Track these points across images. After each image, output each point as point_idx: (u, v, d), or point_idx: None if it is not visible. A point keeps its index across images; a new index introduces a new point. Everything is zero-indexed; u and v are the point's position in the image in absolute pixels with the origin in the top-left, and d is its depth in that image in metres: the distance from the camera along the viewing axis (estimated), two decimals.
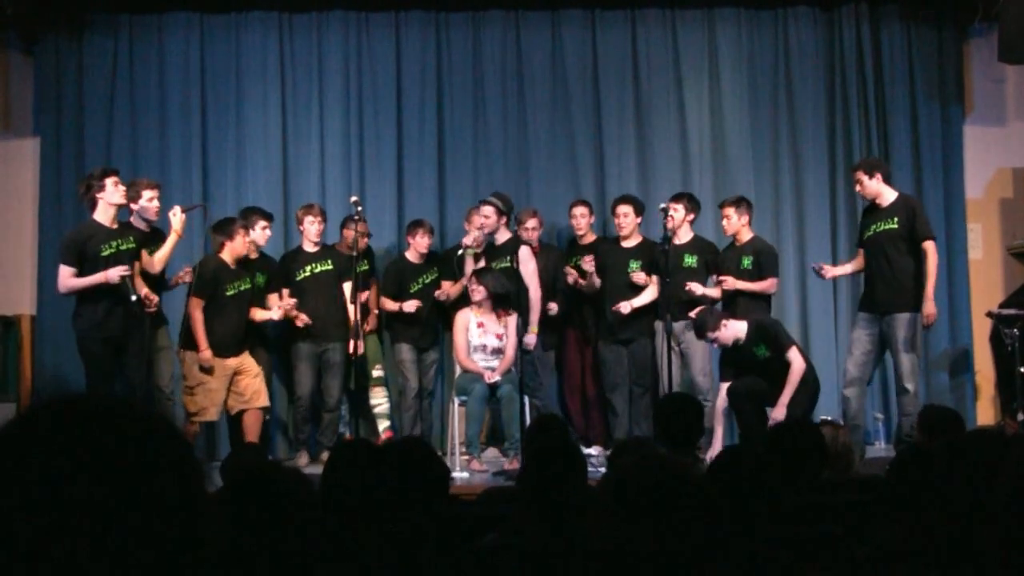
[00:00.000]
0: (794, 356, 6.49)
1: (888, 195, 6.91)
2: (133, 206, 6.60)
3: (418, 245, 7.60)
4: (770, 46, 8.60)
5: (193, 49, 8.31)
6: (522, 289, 7.03)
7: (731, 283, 7.10)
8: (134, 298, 6.21)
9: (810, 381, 6.64)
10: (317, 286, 7.31)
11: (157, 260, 6.61)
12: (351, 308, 7.18)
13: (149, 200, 6.66)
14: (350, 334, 7.08)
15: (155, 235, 6.76)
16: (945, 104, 8.55)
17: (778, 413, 6.34)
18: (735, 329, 6.59)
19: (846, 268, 7.36)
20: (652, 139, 8.48)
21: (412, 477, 3.05)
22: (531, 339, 7.14)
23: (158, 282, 6.70)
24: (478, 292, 7.10)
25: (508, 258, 7.24)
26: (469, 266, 7.44)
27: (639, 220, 7.56)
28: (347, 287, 7.30)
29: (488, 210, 7.30)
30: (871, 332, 6.89)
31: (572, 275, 7.49)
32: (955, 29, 8.60)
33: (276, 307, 7.13)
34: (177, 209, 6.66)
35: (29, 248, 8.14)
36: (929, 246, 6.80)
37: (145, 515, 0.95)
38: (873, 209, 7.00)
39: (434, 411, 8.00)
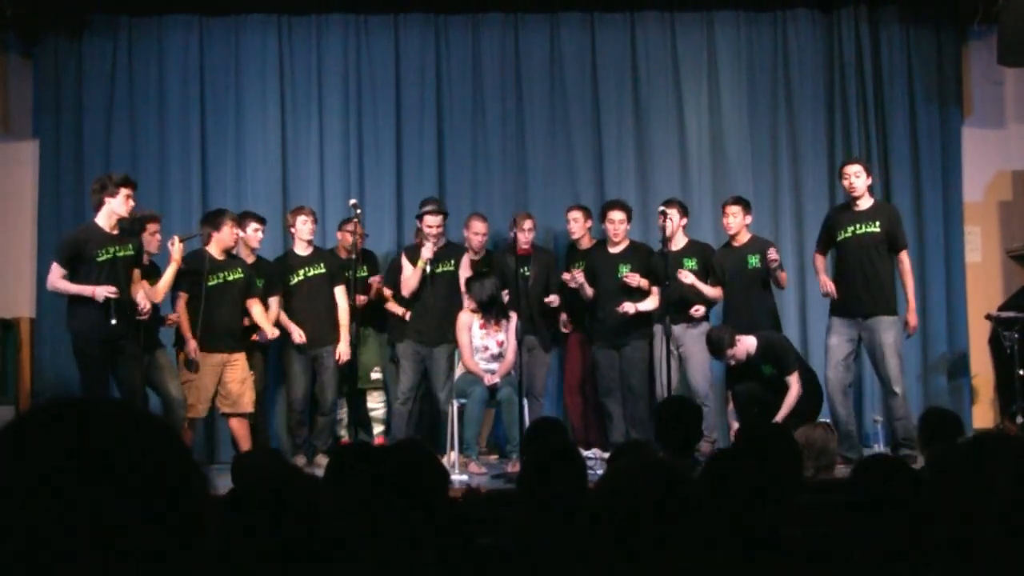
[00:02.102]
0: (794, 381, 6.65)
1: (867, 199, 6.93)
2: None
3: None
4: (769, 48, 8.60)
5: (192, 51, 8.31)
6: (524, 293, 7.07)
7: (774, 254, 6.98)
8: (114, 322, 6.16)
9: (813, 392, 6.70)
10: (310, 290, 7.30)
11: (159, 290, 6.62)
12: (344, 312, 7.23)
13: (152, 234, 6.72)
14: (345, 337, 7.22)
15: (152, 268, 6.79)
16: (944, 106, 8.55)
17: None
18: (747, 344, 6.68)
19: (825, 276, 7.11)
20: (651, 141, 8.49)
21: (411, 479, 3.05)
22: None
23: (155, 313, 6.68)
24: (469, 303, 7.13)
25: (452, 262, 7.27)
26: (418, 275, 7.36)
27: (629, 226, 7.56)
28: (339, 291, 7.31)
29: (439, 219, 7.28)
30: (849, 337, 6.88)
31: (570, 279, 7.48)
32: (954, 31, 8.60)
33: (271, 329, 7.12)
34: (175, 239, 6.66)
35: (28, 250, 8.13)
36: (906, 256, 6.89)
37: (145, 517, 0.95)
38: (846, 210, 6.99)
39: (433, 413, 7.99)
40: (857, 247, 6.85)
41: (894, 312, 6.82)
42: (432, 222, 7.24)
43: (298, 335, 7.17)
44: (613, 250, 7.53)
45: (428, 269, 7.22)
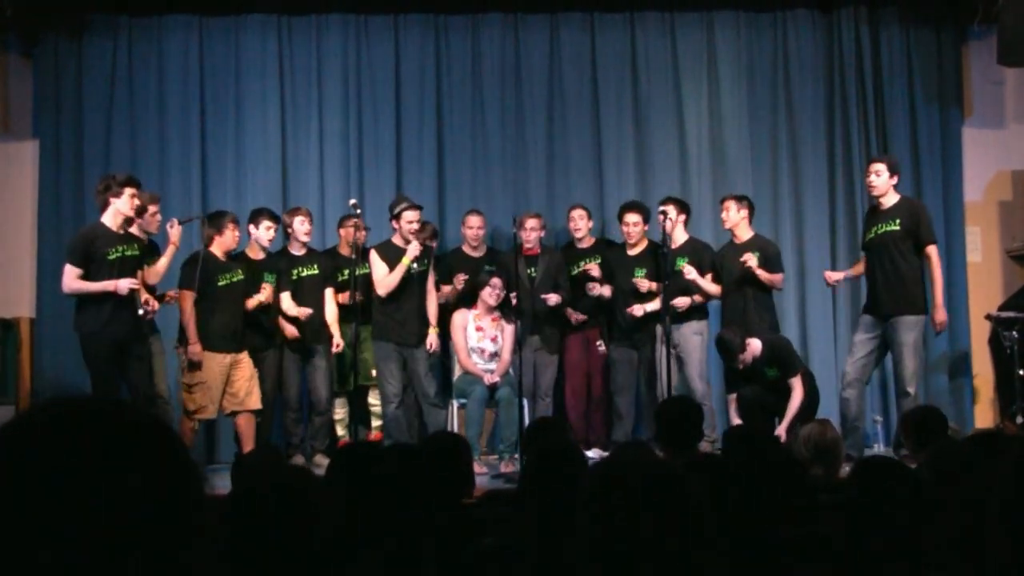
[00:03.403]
0: (796, 385, 6.68)
1: (892, 197, 6.89)
2: (137, 220, 6.63)
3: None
4: (769, 49, 8.60)
5: (192, 51, 8.31)
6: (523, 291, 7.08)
7: (753, 262, 7.03)
8: (141, 312, 6.23)
9: (810, 394, 6.72)
10: (302, 291, 7.30)
11: (154, 272, 6.65)
12: (331, 313, 7.30)
13: (152, 215, 6.71)
14: (336, 333, 7.28)
15: (151, 247, 6.79)
16: (944, 106, 8.55)
17: (781, 432, 6.53)
18: (754, 348, 6.70)
19: (847, 272, 7.33)
20: (651, 142, 8.49)
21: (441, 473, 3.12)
22: (433, 338, 7.18)
23: (151, 294, 6.69)
24: (494, 292, 7.11)
25: (425, 260, 7.23)
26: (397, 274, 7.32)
27: (647, 227, 7.56)
28: (329, 293, 7.34)
29: (418, 214, 7.18)
30: (874, 335, 6.88)
31: (593, 289, 7.51)
32: (954, 31, 8.60)
33: (292, 308, 7.16)
34: (174, 221, 6.69)
35: (28, 250, 8.13)
36: (933, 251, 6.79)
37: (141, 517, 0.95)
38: (875, 211, 7.00)
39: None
40: (879, 247, 6.84)
41: (918, 311, 6.75)
42: (412, 218, 7.12)
43: (305, 312, 7.17)
44: (631, 252, 7.55)
45: (415, 268, 7.15)
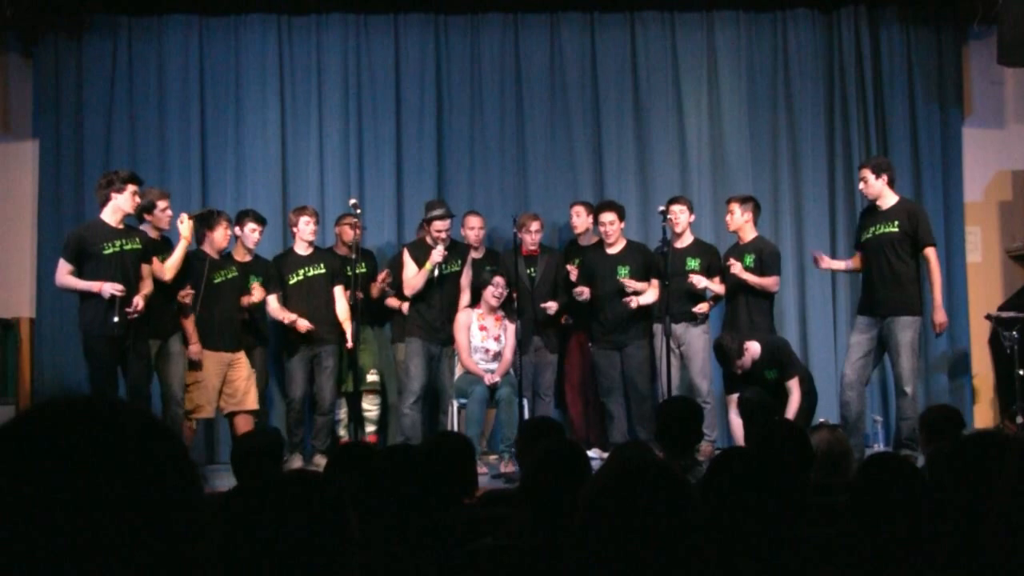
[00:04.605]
0: (794, 387, 6.67)
1: (889, 198, 6.88)
2: (148, 217, 6.62)
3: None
4: (769, 49, 8.61)
5: (192, 51, 8.32)
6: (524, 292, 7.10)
7: (738, 268, 7.09)
8: (116, 319, 6.11)
9: (809, 394, 6.72)
10: (309, 290, 7.30)
11: (168, 267, 6.59)
12: (342, 311, 7.27)
13: (163, 210, 6.70)
14: (344, 335, 7.24)
15: (164, 243, 6.77)
16: (944, 106, 8.55)
17: None
18: (752, 352, 6.70)
19: (840, 264, 7.36)
20: (651, 141, 8.49)
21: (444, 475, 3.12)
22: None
23: (167, 289, 6.65)
24: (496, 293, 7.12)
25: (458, 261, 7.28)
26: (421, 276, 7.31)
27: (623, 225, 7.57)
28: (338, 291, 7.32)
29: (448, 223, 7.24)
30: (870, 336, 6.88)
31: (574, 273, 7.55)
32: (954, 31, 8.60)
33: (280, 313, 7.14)
34: (184, 216, 6.67)
35: (28, 251, 8.14)
36: (931, 253, 6.76)
37: (140, 516, 0.95)
38: (872, 211, 6.99)
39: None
40: (876, 247, 6.84)
41: (914, 312, 6.74)
42: (441, 227, 7.20)
43: (304, 325, 7.16)
44: (611, 251, 7.53)
45: (437, 272, 7.20)
